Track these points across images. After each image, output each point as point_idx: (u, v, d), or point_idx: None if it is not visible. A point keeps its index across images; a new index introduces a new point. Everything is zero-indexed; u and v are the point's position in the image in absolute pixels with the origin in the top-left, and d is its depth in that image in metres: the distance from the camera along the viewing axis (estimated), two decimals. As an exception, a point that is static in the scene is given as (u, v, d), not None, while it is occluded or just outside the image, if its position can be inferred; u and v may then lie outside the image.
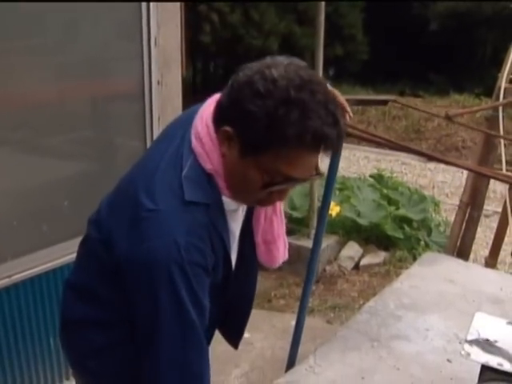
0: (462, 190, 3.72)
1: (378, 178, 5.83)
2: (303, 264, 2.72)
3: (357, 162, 8.28)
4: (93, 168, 3.04)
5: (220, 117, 1.28)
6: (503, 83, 3.31)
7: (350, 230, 4.70)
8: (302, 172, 1.25)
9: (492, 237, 3.91)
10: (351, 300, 4.01)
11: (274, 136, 1.19)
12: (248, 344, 3.27)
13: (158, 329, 1.28)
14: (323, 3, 4.04)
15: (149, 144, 3.02)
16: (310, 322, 3.18)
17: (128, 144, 3.11)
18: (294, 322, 2.58)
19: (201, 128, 1.31)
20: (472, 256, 4.12)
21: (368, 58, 13.98)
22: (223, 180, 1.32)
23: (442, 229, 5.10)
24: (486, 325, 1.75)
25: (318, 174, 1.32)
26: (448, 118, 2.32)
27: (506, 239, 3.77)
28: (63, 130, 2.81)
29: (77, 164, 3.00)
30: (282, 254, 1.63)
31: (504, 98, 3.25)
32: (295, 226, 4.38)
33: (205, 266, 1.30)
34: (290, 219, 4.40)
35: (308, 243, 2.71)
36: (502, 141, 2.51)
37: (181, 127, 1.39)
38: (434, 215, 5.33)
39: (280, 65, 1.23)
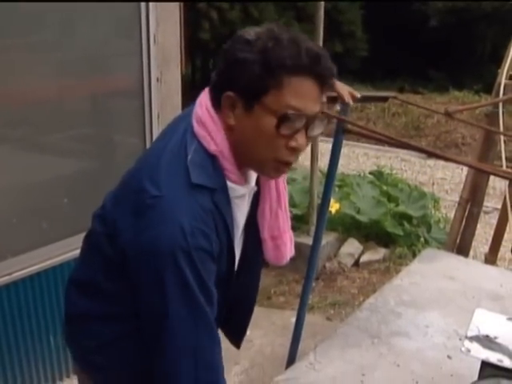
0: (462, 186, 3.71)
1: (378, 174, 5.84)
2: (303, 261, 2.71)
3: (356, 158, 8.27)
4: (92, 165, 3.04)
5: (217, 87, 1.31)
6: (503, 79, 3.31)
7: (349, 227, 4.70)
8: (309, 103, 1.26)
9: (492, 233, 3.90)
10: (351, 297, 4.02)
11: (272, 67, 1.22)
12: (248, 341, 3.27)
13: (166, 316, 1.27)
14: None
15: (148, 141, 3.03)
16: (309, 318, 3.18)
17: (127, 141, 3.11)
18: (293, 319, 2.58)
19: (201, 112, 1.33)
20: (472, 252, 4.12)
21: (367, 54, 14.00)
22: (230, 161, 1.32)
23: (441, 225, 5.10)
24: (486, 321, 1.75)
25: (323, 114, 1.34)
26: (448, 114, 2.31)
27: (505, 236, 3.77)
28: (62, 127, 2.82)
29: (76, 161, 3.00)
30: (289, 250, 1.62)
31: (504, 94, 3.25)
32: (295, 223, 4.37)
33: (210, 252, 1.29)
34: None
35: (308, 240, 2.71)
36: (502, 137, 2.51)
37: (182, 121, 1.39)
38: (433, 212, 5.33)
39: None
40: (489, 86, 5.72)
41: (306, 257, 2.54)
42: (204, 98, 1.35)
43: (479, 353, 1.62)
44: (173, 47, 3.10)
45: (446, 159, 1.73)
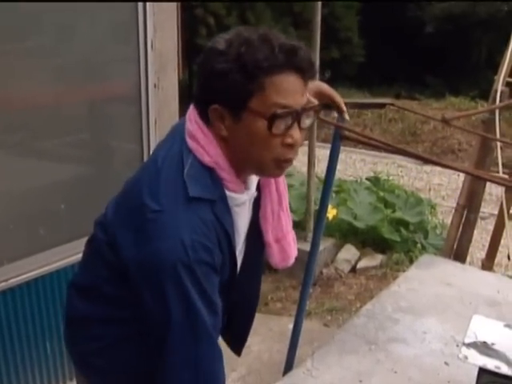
0: (459, 192, 3.72)
1: (375, 180, 5.84)
2: (300, 267, 2.71)
3: (353, 164, 8.28)
4: (89, 171, 3.04)
5: (201, 102, 1.32)
6: (499, 86, 3.32)
7: (346, 233, 4.70)
8: (293, 98, 1.27)
9: (488, 239, 3.91)
10: (348, 303, 4.01)
11: (250, 72, 1.23)
12: (245, 347, 3.26)
13: (169, 330, 1.28)
14: (319, 4, 4.04)
15: (145, 147, 3.02)
16: (307, 324, 3.17)
17: (125, 147, 3.11)
18: (291, 325, 2.57)
19: (192, 127, 1.34)
20: (468, 258, 4.13)
21: (364, 60, 14.01)
22: (227, 171, 1.33)
23: (438, 231, 5.11)
24: (484, 327, 1.76)
25: (312, 104, 1.35)
26: (445, 121, 2.32)
27: (502, 241, 3.78)
28: (60, 132, 2.81)
29: (73, 167, 3.00)
30: (293, 250, 1.62)
31: (500, 101, 3.26)
32: (292, 229, 4.37)
33: (212, 265, 1.29)
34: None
35: (305, 246, 2.70)
36: (499, 144, 2.52)
37: (179, 131, 1.39)
38: (430, 218, 5.33)
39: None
40: (485, 92, 5.73)
41: (303, 263, 2.53)
42: (192, 112, 1.37)
43: (477, 359, 1.62)
44: (170, 53, 3.10)
45: (443, 166, 1.73)
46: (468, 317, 1.80)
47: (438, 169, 7.76)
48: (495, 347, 1.66)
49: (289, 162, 1.35)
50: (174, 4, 3.25)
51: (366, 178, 6.05)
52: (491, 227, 3.96)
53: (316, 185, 4.41)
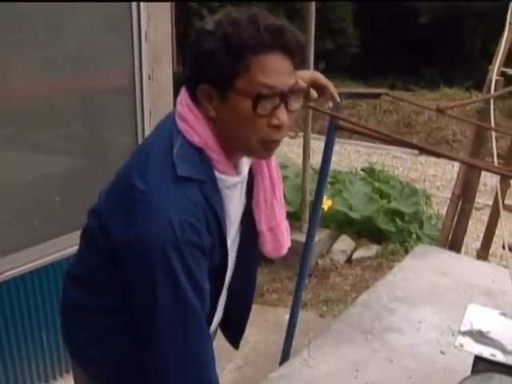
0: (453, 183, 3.72)
1: (370, 171, 5.84)
2: (295, 258, 2.72)
3: (348, 155, 8.28)
4: (84, 163, 3.03)
5: (191, 82, 1.32)
6: (494, 76, 3.32)
7: (342, 224, 4.70)
8: (279, 78, 1.26)
9: (483, 230, 3.92)
10: (344, 293, 4.02)
11: (236, 51, 1.23)
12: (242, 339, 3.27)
13: (156, 311, 1.28)
14: (314, -2, 4.04)
15: (140, 139, 3.01)
16: (302, 315, 3.18)
17: (119, 139, 3.10)
18: (287, 316, 2.58)
19: (182, 109, 1.35)
20: (463, 249, 4.13)
21: (359, 51, 14.00)
22: (217, 151, 1.32)
23: (433, 221, 5.11)
24: (479, 316, 1.76)
25: (299, 86, 1.33)
26: (439, 110, 2.32)
27: (496, 232, 3.79)
28: (54, 125, 2.80)
29: (68, 159, 2.99)
30: (286, 240, 1.60)
31: (495, 90, 3.26)
32: (287, 220, 4.37)
33: (200, 246, 1.29)
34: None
35: (301, 237, 2.71)
36: (493, 133, 2.52)
37: (169, 118, 1.40)
38: (425, 208, 5.34)
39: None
40: (479, 83, 5.73)
41: (299, 254, 2.54)
42: (183, 95, 1.37)
43: (472, 348, 1.63)
44: (164, 44, 3.09)
45: (439, 155, 1.73)
46: (463, 306, 1.80)
47: (433, 160, 7.77)
48: (490, 335, 1.67)
49: (275, 143, 1.34)
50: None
51: (361, 169, 6.05)
52: (486, 218, 3.97)
53: (311, 176, 4.41)
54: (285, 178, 4.98)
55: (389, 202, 4.94)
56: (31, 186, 2.73)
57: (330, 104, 1.94)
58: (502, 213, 2.63)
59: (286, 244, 1.62)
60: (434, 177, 7.52)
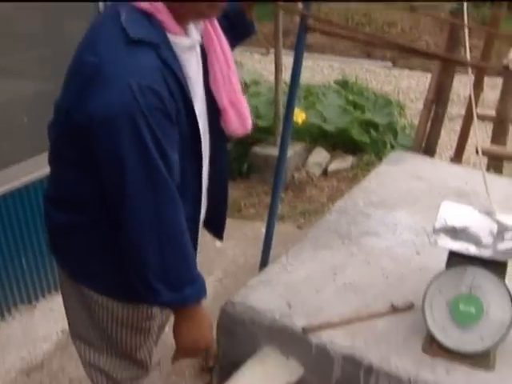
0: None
1: (343, 83, 5.78)
2: (271, 173, 2.73)
3: (321, 71, 8.15)
4: (51, 86, 2.95)
5: None
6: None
7: (316, 137, 4.70)
8: None
9: (456, 139, 3.93)
10: (320, 205, 4.06)
11: None
12: (220, 252, 3.31)
13: (125, 180, 1.27)
14: None
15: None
16: (280, 228, 3.22)
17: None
18: (264, 230, 2.60)
19: None
20: (437, 158, 4.16)
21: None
22: (165, 12, 1.30)
23: (407, 132, 5.13)
24: (453, 212, 1.78)
25: None
26: (413, 10, 2.27)
27: (469, 141, 3.81)
28: (20, 48, 2.73)
29: (35, 82, 2.92)
30: (248, 114, 1.59)
31: (468, -10, 3.18)
32: (261, 135, 4.35)
33: (165, 111, 1.27)
34: (255, 129, 4.36)
35: (275, 151, 2.69)
36: (467, 30, 2.47)
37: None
38: (399, 119, 5.34)
39: None
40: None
41: (274, 168, 2.54)
42: None
43: (447, 243, 1.65)
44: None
45: (416, 53, 1.69)
46: (438, 208, 1.82)
47: (407, 72, 7.70)
48: (465, 230, 1.69)
49: None
50: None
51: (335, 82, 5.98)
52: (459, 127, 3.97)
53: (283, 89, 4.35)
54: (257, 93, 4.92)
55: (363, 113, 4.92)
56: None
57: (300, 5, 1.88)
58: (475, 117, 2.62)
59: (249, 119, 1.60)
60: (408, 89, 7.46)
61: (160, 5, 1.28)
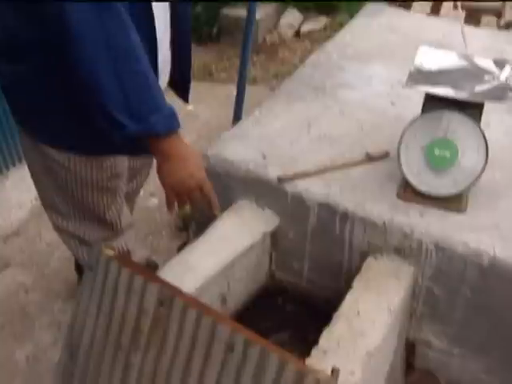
0: None
1: None
2: (242, 35, 2.63)
3: None
4: None
5: None
6: None
7: (288, -3, 4.51)
8: None
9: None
10: (293, 67, 3.94)
11: None
12: (192, 116, 3.24)
13: (63, 11, 1.17)
14: None
15: None
16: (253, 90, 3.15)
17: None
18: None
19: None
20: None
21: None
22: None
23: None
24: (430, 56, 1.73)
25: None
26: None
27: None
28: None
29: None
30: None
31: None
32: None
33: None
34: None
35: (246, 13, 2.57)
36: None
37: None
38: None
39: None
40: None
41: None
42: None
43: (423, 86, 1.61)
44: None
45: None
46: (413, 60, 1.75)
47: None
48: (443, 73, 1.65)
49: None
50: None
51: None
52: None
53: None
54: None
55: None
56: None
57: None
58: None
59: None
60: None
61: None
